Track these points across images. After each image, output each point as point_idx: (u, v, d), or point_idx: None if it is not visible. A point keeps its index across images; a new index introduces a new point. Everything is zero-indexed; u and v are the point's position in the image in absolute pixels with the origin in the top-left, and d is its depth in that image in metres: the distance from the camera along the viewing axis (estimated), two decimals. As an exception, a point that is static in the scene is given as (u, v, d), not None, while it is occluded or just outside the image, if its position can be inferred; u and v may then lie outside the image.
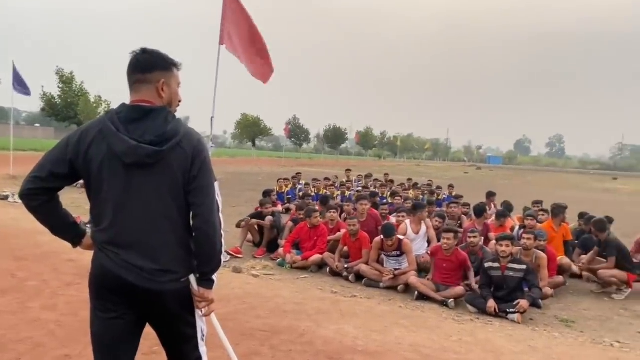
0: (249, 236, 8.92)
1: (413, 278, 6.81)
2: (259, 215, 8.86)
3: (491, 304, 6.06)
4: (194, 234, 2.25)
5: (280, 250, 8.21)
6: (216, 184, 2.30)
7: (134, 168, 2.15)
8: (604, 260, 7.45)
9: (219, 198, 2.30)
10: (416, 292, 6.61)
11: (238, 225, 8.92)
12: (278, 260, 8.04)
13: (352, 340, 4.66)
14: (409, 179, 17.51)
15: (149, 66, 2.24)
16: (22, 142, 37.90)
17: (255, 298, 5.84)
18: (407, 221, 8.09)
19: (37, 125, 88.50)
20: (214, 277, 2.33)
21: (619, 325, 5.95)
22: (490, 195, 11.79)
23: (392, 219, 9.77)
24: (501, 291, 6.22)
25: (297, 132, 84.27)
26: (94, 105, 42.10)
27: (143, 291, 2.17)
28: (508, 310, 5.98)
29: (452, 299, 6.39)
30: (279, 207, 10.72)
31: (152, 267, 2.17)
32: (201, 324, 2.40)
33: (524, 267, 6.22)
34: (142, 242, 2.18)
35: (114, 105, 2.29)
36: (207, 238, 2.23)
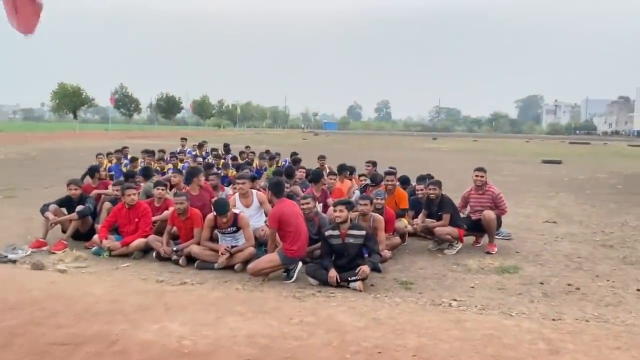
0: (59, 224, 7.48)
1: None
2: (67, 201, 7.48)
3: (332, 273, 5.74)
4: None
5: (95, 236, 7.02)
6: None
7: None
8: (434, 220, 7.63)
9: None
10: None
11: (42, 212, 7.39)
12: (93, 248, 6.88)
13: (178, 341, 3.94)
14: (247, 147, 16.79)
15: None
16: None
17: (58, 300, 4.80)
18: (236, 195, 7.40)
19: None
20: None
21: (454, 281, 6.04)
22: (321, 158, 11.93)
23: (228, 190, 9.06)
24: (342, 259, 5.94)
25: (125, 102, 77.93)
26: None
27: None
28: (350, 278, 5.71)
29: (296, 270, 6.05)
30: (110, 188, 8.36)
31: None
32: None
33: (363, 232, 5.99)
34: None
35: None
36: None
